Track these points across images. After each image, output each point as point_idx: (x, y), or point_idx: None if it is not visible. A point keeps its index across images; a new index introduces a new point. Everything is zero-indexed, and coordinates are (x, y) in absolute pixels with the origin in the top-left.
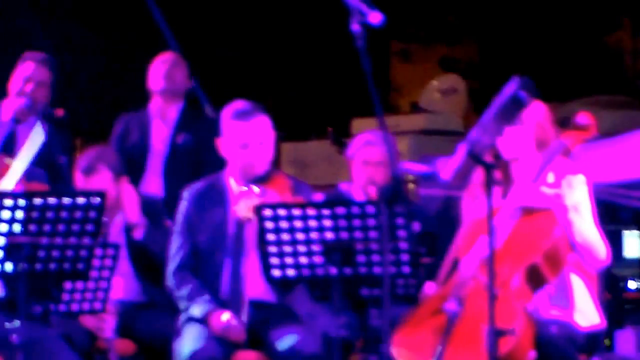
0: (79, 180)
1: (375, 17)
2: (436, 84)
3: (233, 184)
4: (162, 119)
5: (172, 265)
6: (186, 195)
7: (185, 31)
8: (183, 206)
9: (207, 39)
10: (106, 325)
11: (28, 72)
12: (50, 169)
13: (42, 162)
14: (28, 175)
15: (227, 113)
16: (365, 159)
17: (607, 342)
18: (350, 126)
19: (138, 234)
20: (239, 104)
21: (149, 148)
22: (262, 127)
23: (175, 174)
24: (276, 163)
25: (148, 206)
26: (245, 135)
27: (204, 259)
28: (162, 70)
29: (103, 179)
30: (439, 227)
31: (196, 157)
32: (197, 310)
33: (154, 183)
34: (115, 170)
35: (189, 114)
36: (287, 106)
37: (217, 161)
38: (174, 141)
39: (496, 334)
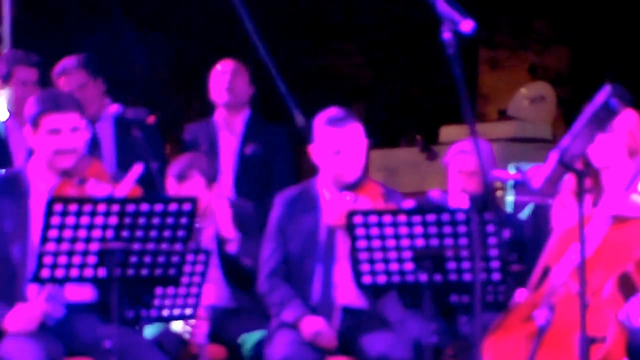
0: (172, 187)
1: (466, 25)
2: (525, 92)
3: (325, 191)
4: (229, 130)
5: (264, 271)
6: (278, 201)
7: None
8: (275, 213)
9: (297, 46)
10: (198, 331)
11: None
12: (142, 175)
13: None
14: (117, 177)
15: (320, 120)
16: (459, 168)
17: None
18: (439, 133)
19: (231, 248)
20: (332, 111)
21: (218, 160)
22: (354, 134)
23: (245, 185)
24: (365, 170)
25: (240, 215)
26: (338, 141)
27: (295, 266)
28: (223, 83)
29: (196, 185)
30: (529, 234)
31: (265, 166)
32: (288, 315)
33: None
34: (208, 176)
35: (256, 122)
36: (377, 113)
37: (286, 169)
38: (243, 152)
39: (588, 342)
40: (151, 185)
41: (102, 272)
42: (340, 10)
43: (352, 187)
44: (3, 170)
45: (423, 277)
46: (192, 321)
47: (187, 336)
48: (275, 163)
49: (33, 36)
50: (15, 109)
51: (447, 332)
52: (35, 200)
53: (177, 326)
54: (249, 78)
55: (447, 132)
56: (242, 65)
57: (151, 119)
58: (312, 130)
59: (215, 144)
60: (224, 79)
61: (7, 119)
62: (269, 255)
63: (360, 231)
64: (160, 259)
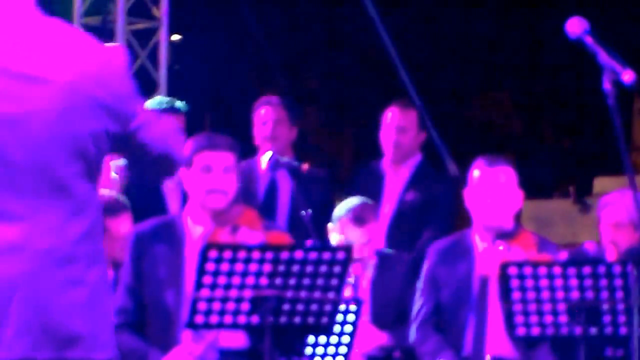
0: (349, 229)
1: (628, 76)
2: None
3: (478, 240)
4: (395, 175)
5: (416, 321)
6: (432, 251)
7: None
8: (429, 262)
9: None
10: None
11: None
12: (294, 222)
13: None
14: (268, 226)
15: (476, 163)
16: (608, 220)
17: None
18: (593, 185)
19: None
20: (488, 155)
21: (380, 203)
22: (506, 176)
23: (399, 231)
24: (518, 220)
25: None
26: (489, 180)
27: (448, 315)
28: (392, 137)
29: (371, 231)
30: None
31: (421, 215)
32: None
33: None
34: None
35: (424, 171)
36: (530, 164)
37: (441, 219)
38: (403, 199)
39: None
40: (304, 233)
41: (255, 319)
42: (493, 59)
43: (506, 236)
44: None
45: (577, 330)
46: None
47: None
48: (433, 212)
49: (187, 82)
50: None
51: None
52: (190, 247)
53: None
54: (418, 127)
55: (601, 183)
56: (411, 113)
57: (305, 167)
58: (467, 174)
59: (380, 187)
60: (390, 128)
61: None
62: (421, 305)
63: (514, 282)
64: (313, 307)
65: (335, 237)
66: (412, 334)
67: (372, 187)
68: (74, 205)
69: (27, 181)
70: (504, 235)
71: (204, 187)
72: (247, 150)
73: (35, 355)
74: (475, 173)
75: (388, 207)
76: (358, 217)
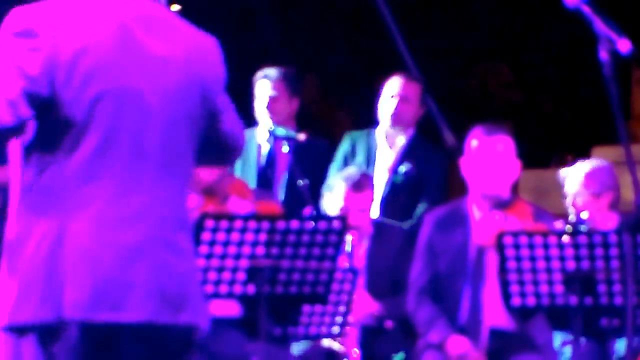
0: (346, 195)
1: (624, 45)
2: None
3: (475, 209)
4: (390, 146)
5: (412, 290)
6: (428, 220)
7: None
8: (425, 231)
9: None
10: (349, 350)
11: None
12: (291, 191)
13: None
14: (258, 195)
15: (474, 131)
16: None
17: None
18: (591, 154)
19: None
20: (485, 124)
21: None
22: (503, 145)
23: (392, 203)
24: (515, 190)
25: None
26: (486, 149)
27: (444, 285)
28: (391, 106)
29: (368, 198)
30: None
31: (415, 187)
32: (434, 336)
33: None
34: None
35: (418, 143)
36: (527, 133)
37: (434, 192)
38: (397, 170)
39: None
40: (301, 203)
41: (250, 289)
42: (492, 30)
43: (502, 205)
44: None
45: (573, 300)
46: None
47: (340, 348)
48: (427, 184)
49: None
50: None
51: (597, 355)
52: None
53: (328, 343)
54: (419, 100)
55: (599, 152)
56: (414, 85)
57: (302, 137)
58: (464, 143)
59: (372, 158)
60: (389, 97)
61: None
62: (418, 274)
63: (510, 252)
64: (309, 276)
65: (331, 205)
66: (409, 302)
67: (362, 155)
68: (185, 179)
69: (155, 154)
70: (500, 205)
71: None
72: (247, 123)
73: (158, 319)
74: (473, 142)
75: (382, 178)
76: (356, 184)
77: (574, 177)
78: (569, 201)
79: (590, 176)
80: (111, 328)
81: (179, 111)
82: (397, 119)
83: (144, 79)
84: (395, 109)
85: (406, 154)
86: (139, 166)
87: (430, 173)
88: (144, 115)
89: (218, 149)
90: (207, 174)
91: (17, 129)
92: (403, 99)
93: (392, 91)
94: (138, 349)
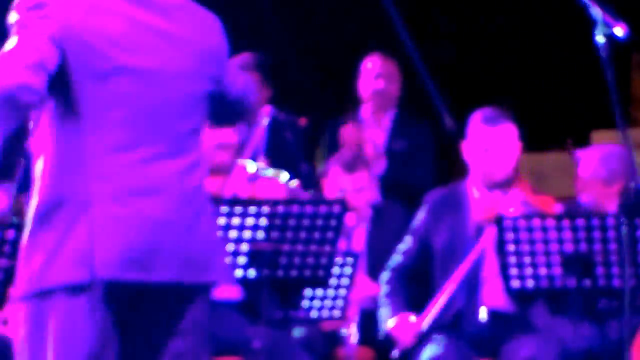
0: (340, 177)
1: (620, 30)
2: None
3: (474, 190)
4: (376, 126)
5: (392, 262)
6: (426, 200)
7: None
8: (422, 212)
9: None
10: (350, 333)
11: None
12: (292, 176)
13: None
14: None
15: (476, 117)
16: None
17: None
18: (590, 138)
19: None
20: (488, 110)
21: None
22: (507, 134)
23: (392, 180)
24: (515, 172)
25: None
26: (490, 139)
27: (440, 262)
28: (371, 81)
29: (362, 178)
30: None
31: (410, 162)
32: (383, 311)
33: None
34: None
35: (403, 120)
36: (527, 117)
37: (428, 165)
38: (391, 148)
39: None
40: (303, 187)
41: (251, 273)
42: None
43: (502, 186)
44: None
45: (571, 282)
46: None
47: (344, 333)
48: (418, 162)
49: None
50: None
51: (595, 337)
52: None
53: (329, 327)
54: (399, 77)
55: (599, 136)
56: (393, 63)
57: (302, 122)
58: (467, 127)
59: (361, 139)
60: (372, 76)
61: None
62: (404, 250)
63: (508, 235)
64: (309, 260)
65: (328, 190)
66: (385, 272)
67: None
68: (199, 148)
69: (172, 126)
70: (500, 185)
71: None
72: None
73: (183, 279)
74: (476, 131)
75: (376, 156)
76: (348, 165)
77: (586, 161)
78: (580, 186)
79: (602, 162)
80: (138, 288)
81: (193, 83)
82: (384, 98)
83: (156, 54)
84: (383, 88)
85: (395, 131)
86: (158, 138)
87: (421, 147)
88: (160, 88)
89: (231, 110)
90: (221, 155)
91: (42, 93)
92: (388, 78)
93: (374, 70)
94: (161, 308)
